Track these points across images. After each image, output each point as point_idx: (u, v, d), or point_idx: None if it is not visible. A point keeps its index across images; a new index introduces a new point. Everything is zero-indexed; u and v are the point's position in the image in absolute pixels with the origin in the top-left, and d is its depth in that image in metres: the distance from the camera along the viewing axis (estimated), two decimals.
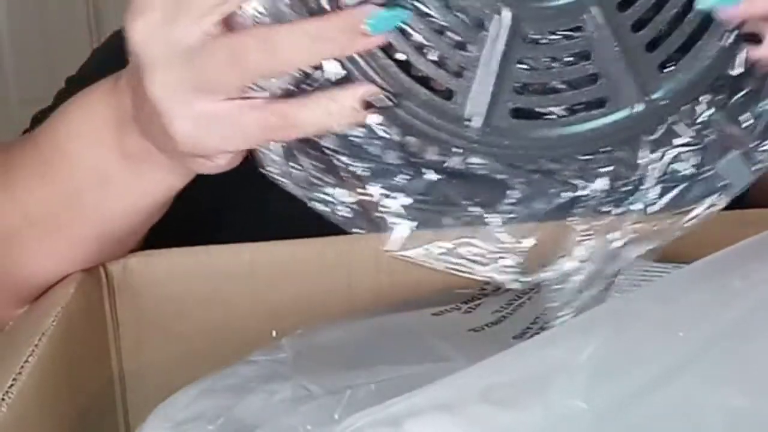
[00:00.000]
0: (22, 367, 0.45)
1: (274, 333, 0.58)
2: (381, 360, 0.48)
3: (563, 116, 0.44)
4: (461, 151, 0.45)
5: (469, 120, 0.44)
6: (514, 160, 0.45)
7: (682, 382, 0.39)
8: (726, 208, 0.61)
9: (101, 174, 0.54)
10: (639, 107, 0.43)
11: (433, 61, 0.43)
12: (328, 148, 0.46)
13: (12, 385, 0.43)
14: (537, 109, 0.44)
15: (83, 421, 0.53)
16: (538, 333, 0.50)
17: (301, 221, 0.68)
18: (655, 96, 0.43)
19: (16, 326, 0.53)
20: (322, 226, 0.62)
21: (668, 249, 0.59)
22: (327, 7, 0.43)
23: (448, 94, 0.44)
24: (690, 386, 0.39)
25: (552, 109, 0.44)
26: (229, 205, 0.70)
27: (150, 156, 0.52)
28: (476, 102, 0.43)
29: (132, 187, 0.55)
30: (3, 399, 0.42)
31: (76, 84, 0.59)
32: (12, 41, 2.51)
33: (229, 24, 0.44)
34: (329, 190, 0.47)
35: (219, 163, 0.50)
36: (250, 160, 0.50)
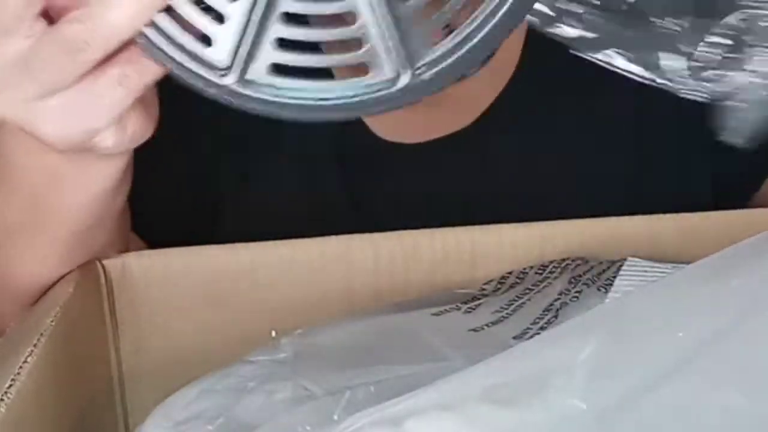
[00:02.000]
0: (20, 367, 0.45)
1: (274, 333, 0.58)
2: (381, 360, 0.48)
3: (324, 79, 0.43)
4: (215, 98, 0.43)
5: (226, 70, 0.43)
6: (269, 116, 0.44)
7: (681, 382, 0.39)
8: (725, 208, 0.61)
9: (49, 174, 0.55)
10: (404, 79, 0.42)
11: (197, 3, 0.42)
12: None
13: (11, 385, 0.43)
14: (299, 66, 0.42)
15: (83, 421, 0.53)
16: (538, 333, 0.50)
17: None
18: (420, 70, 0.42)
19: (15, 326, 0.52)
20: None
21: (668, 249, 0.59)
22: None
23: (207, 40, 0.42)
24: (689, 386, 0.39)
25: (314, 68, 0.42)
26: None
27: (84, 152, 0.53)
28: (233, 52, 0.42)
29: (81, 179, 0.55)
30: (2, 399, 0.42)
31: None
32: None
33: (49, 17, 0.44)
34: None
35: (107, 145, 0.49)
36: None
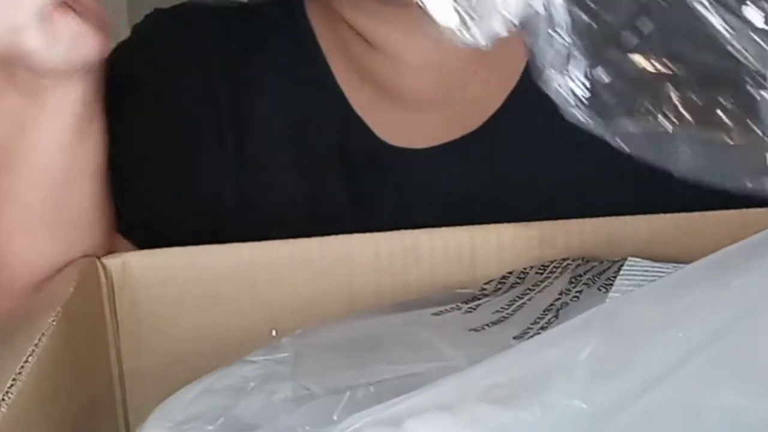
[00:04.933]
0: (21, 367, 0.45)
1: (274, 333, 0.58)
2: (381, 360, 0.48)
3: None
4: None
5: None
6: None
7: (681, 382, 0.39)
8: (725, 208, 0.61)
9: (14, 121, 0.57)
10: None
11: None
12: None
13: (12, 385, 0.43)
14: None
15: (83, 421, 0.53)
16: (538, 333, 0.50)
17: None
18: None
19: (15, 326, 0.53)
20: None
21: (668, 249, 0.59)
22: None
23: None
24: (689, 386, 0.39)
25: None
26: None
27: (37, 79, 0.55)
28: None
29: (43, 119, 0.57)
30: (3, 399, 0.42)
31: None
32: None
33: None
34: None
35: (35, 45, 0.52)
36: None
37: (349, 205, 0.72)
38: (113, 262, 0.59)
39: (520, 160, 0.73)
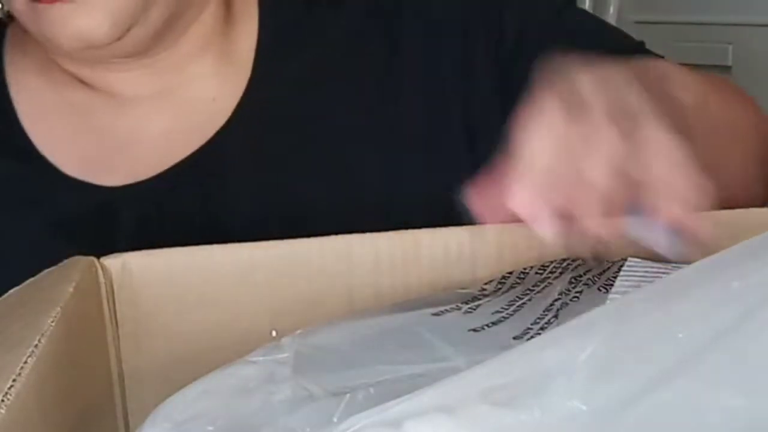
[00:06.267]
0: (21, 368, 0.44)
1: (274, 333, 0.58)
2: (381, 360, 0.48)
3: None
4: None
5: None
6: None
7: (681, 383, 0.39)
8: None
9: None
10: None
11: None
12: None
13: (11, 386, 0.43)
14: None
15: (83, 422, 0.52)
16: (538, 334, 0.50)
17: None
18: None
19: (14, 327, 0.52)
20: None
21: None
22: None
23: None
24: (689, 387, 0.39)
25: None
26: None
27: None
28: None
29: None
30: (2, 400, 0.42)
31: None
32: None
33: None
34: None
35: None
36: None
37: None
38: (112, 262, 0.59)
39: (237, 182, 0.77)
